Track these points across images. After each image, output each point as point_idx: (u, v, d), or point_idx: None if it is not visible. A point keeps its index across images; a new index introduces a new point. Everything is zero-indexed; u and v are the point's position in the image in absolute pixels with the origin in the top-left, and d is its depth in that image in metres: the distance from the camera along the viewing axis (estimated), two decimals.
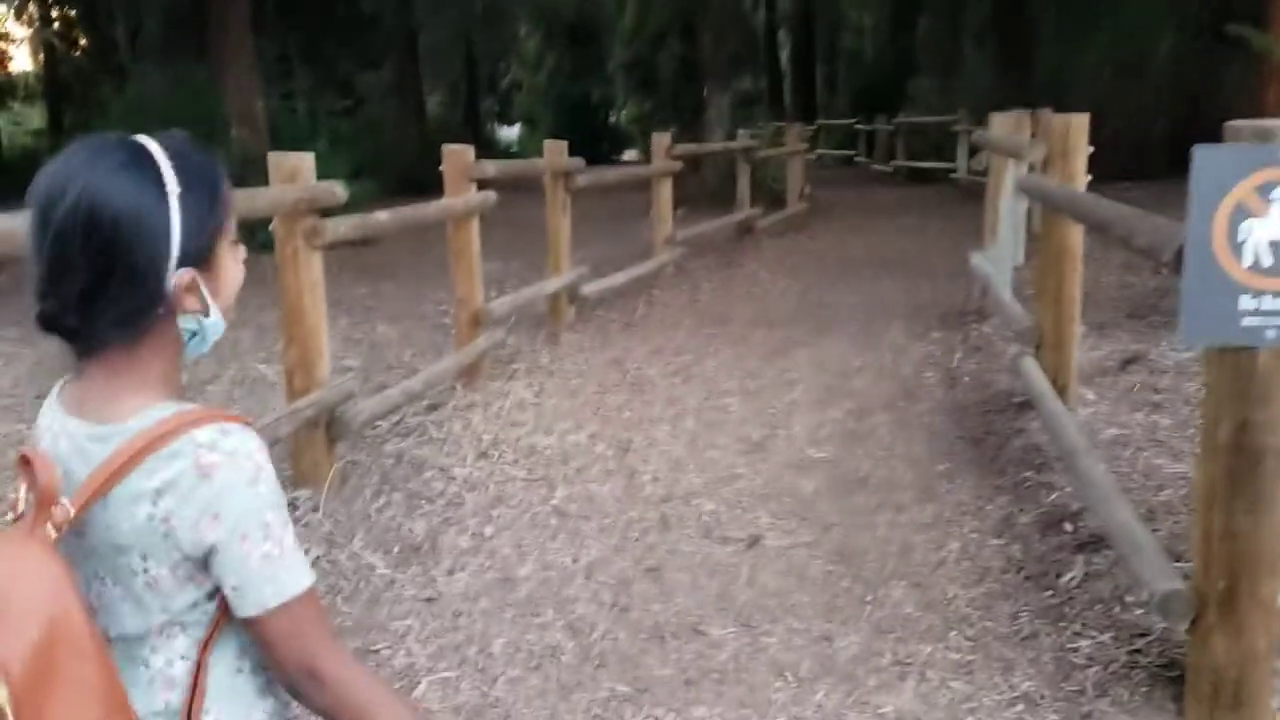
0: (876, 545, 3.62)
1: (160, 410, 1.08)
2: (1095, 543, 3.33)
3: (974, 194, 15.64)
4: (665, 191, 9.33)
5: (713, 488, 4.25)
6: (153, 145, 1.11)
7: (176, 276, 1.09)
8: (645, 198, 10.67)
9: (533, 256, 10.12)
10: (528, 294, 6.65)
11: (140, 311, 1.08)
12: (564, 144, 7.05)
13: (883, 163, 22.31)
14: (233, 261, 1.17)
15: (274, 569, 1.08)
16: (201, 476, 1.04)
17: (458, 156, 5.55)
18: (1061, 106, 9.93)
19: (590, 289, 7.57)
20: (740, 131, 12.81)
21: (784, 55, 34.68)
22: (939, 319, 7.26)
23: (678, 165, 9.45)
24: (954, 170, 17.27)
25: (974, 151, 7.12)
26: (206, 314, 1.13)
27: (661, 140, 9.33)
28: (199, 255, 1.11)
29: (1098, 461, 3.28)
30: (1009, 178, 6.73)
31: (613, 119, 36.76)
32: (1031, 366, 4.50)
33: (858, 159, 25.65)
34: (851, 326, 7.15)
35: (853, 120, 26.31)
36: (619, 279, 8.27)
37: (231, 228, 1.16)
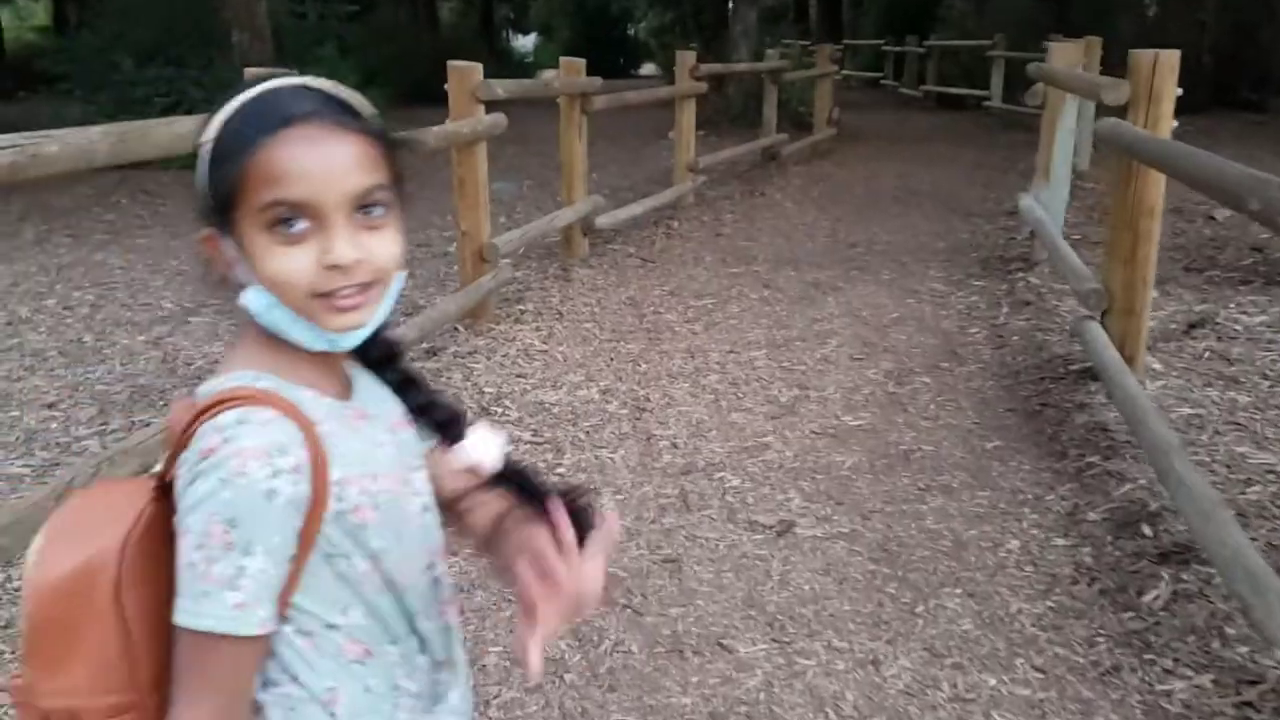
0: (924, 540, 3.20)
1: (226, 381, 0.98)
2: (1181, 553, 2.90)
3: (1009, 124, 15.03)
4: (688, 114, 8.75)
5: (738, 459, 3.83)
6: (253, 88, 0.98)
7: (201, 230, 1.00)
8: (663, 115, 10.09)
9: (543, 175, 9.62)
10: (539, 226, 6.17)
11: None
12: (581, 62, 6.49)
13: (912, 87, 21.48)
14: (268, 246, 0.95)
15: (189, 583, 0.91)
16: (200, 458, 0.91)
17: (464, 75, 5.03)
18: (1103, 35, 9.25)
19: (605, 220, 7.08)
20: (768, 51, 12.11)
21: None
22: (980, 264, 6.77)
23: (702, 87, 8.85)
24: (988, 98, 16.56)
25: (1028, 84, 6.52)
26: (247, 284, 0.98)
27: (685, 59, 8.72)
28: (217, 216, 0.97)
29: (1192, 463, 2.83)
30: (1067, 115, 6.18)
31: (631, 31, 35.66)
32: (1097, 334, 4.03)
33: (885, 82, 24.77)
34: (886, 269, 6.66)
35: (881, 41, 25.35)
36: (636, 209, 7.78)
37: (266, 205, 0.94)
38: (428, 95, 12.30)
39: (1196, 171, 2.74)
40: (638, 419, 4.22)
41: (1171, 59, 3.82)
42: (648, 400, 4.40)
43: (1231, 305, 5.13)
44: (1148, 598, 2.73)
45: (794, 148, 11.68)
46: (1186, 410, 3.89)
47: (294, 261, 0.94)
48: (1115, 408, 3.77)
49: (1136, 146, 3.53)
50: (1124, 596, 2.77)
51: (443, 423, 1.09)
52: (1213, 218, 7.62)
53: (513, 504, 1.09)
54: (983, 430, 4.02)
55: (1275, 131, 11.44)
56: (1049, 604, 2.79)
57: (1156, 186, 3.89)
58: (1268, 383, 4.15)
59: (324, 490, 0.94)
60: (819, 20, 30.36)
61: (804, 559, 3.11)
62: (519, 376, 4.62)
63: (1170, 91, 3.84)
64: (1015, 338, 5.06)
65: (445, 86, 5.07)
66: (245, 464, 0.89)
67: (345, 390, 1.05)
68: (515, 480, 1.09)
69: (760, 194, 9.84)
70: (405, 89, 15.98)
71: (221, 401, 0.93)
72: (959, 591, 2.89)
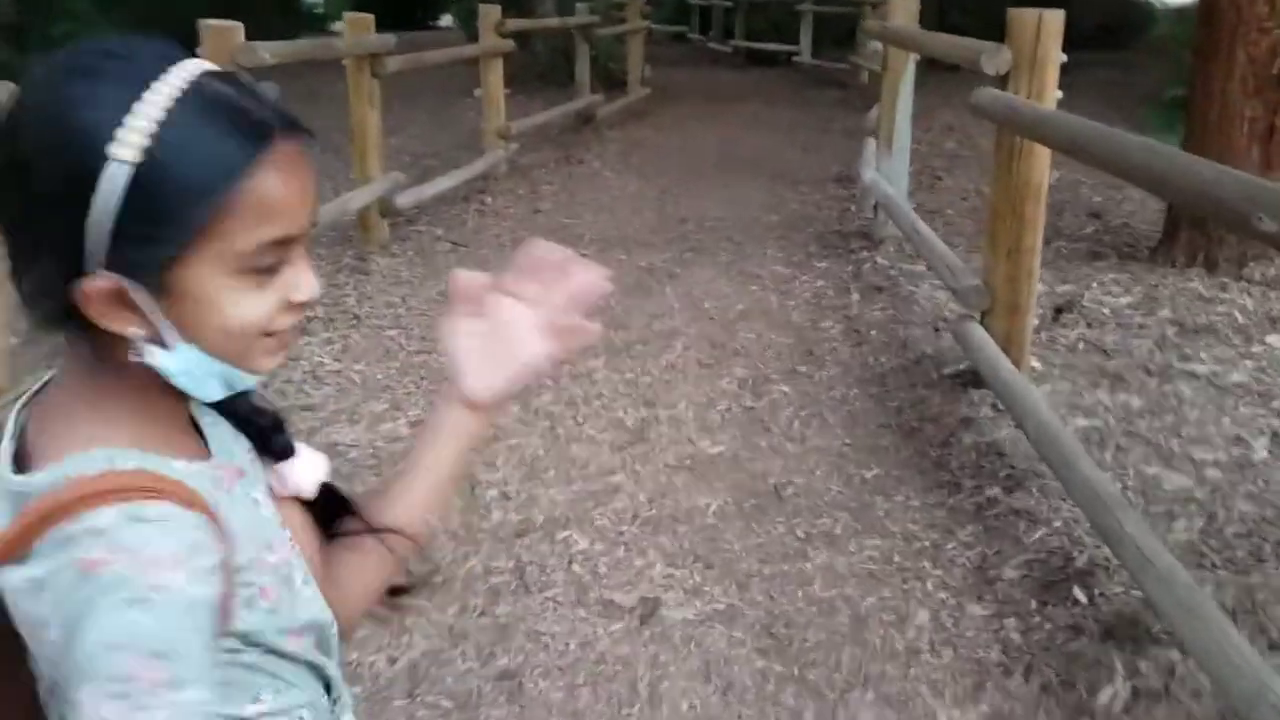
0: (816, 616, 2.62)
1: (85, 461, 0.73)
2: (1130, 627, 2.43)
3: (820, 80, 14.82)
4: (495, 76, 7.92)
5: (584, 508, 3.16)
6: (169, 69, 0.72)
7: (90, 279, 0.71)
8: (465, 71, 9.24)
9: (334, 141, 8.54)
10: (329, 210, 5.26)
11: (47, 295, 0.73)
12: (369, 18, 5.58)
13: (720, 41, 21.09)
14: (236, 291, 0.75)
15: None
16: (80, 575, 0.68)
17: (222, 37, 4.09)
18: None
19: (407, 199, 6.22)
20: (578, 4, 11.33)
21: None
22: (818, 241, 6.29)
23: (509, 45, 8.03)
24: (797, 53, 16.33)
25: (863, 43, 6.06)
26: (162, 344, 0.75)
27: (489, 14, 7.87)
28: (143, 266, 0.71)
29: (1144, 523, 2.33)
30: (909, 78, 5.73)
31: None
32: (980, 337, 3.55)
33: (691, 36, 24.35)
34: (722, 250, 6.09)
35: None
36: (444, 183, 6.93)
37: (257, 247, 0.74)
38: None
39: (1171, 174, 2.17)
40: None
41: (1056, 20, 3.34)
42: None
43: (1093, 285, 4.80)
44: (1103, 698, 2.23)
45: (609, 110, 11.00)
46: (1082, 421, 3.46)
47: (262, 304, 0.77)
48: (1013, 425, 3.31)
49: (1044, 127, 2.99)
50: (1072, 695, 2.26)
51: (265, 432, 0.90)
52: None
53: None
54: (857, 454, 3.49)
55: (1079, 88, 11.51)
56: (984, 709, 2.26)
57: (1042, 164, 3.43)
58: (1154, 380, 3.79)
59: (231, 585, 0.75)
60: None
61: (676, 657, 2.47)
62: (305, 409, 3.79)
63: (1055, 56, 3.36)
64: (874, 332, 4.57)
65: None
66: (161, 576, 0.68)
67: (198, 439, 0.85)
68: (337, 512, 0.95)
69: (578, 161, 9.12)
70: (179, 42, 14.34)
71: (87, 496, 0.70)
72: (871, 696, 2.32)
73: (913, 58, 5.64)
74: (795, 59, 16.38)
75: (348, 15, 5.62)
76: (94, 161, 0.68)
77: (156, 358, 0.75)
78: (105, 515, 0.69)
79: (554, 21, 11.11)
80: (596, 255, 5.92)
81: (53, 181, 0.69)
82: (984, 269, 3.69)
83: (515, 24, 8.38)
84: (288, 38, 5.91)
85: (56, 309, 0.73)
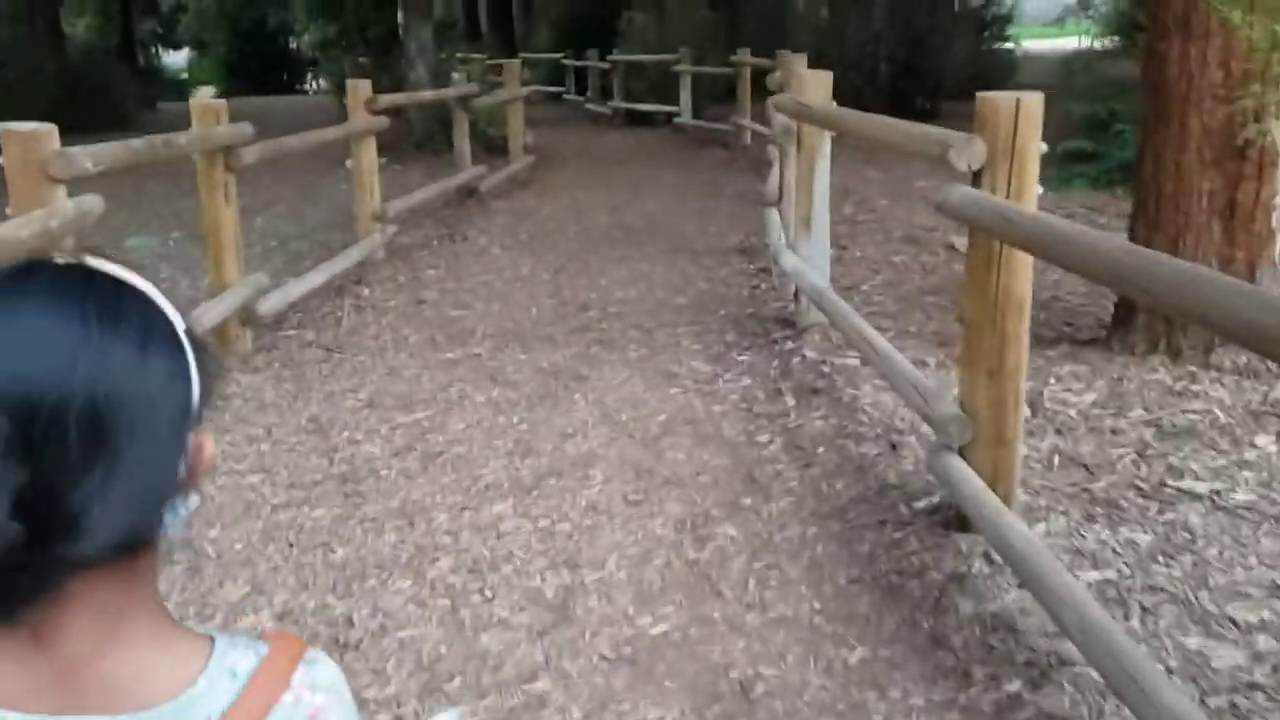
0: None
1: (234, 649, 0.76)
2: None
3: (701, 141, 14.57)
4: (368, 153, 7.23)
5: None
6: (126, 280, 0.74)
7: (196, 440, 0.76)
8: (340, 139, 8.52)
9: (190, 224, 7.67)
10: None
11: (160, 506, 0.73)
12: (220, 105, 4.85)
13: (599, 102, 20.77)
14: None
15: None
16: None
17: (29, 144, 3.30)
18: (776, 45, 8.61)
19: (271, 304, 5.45)
20: (454, 75, 10.71)
21: None
22: (735, 327, 5.75)
23: (383, 122, 7.35)
24: (678, 114, 16.05)
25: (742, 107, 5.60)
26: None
27: (359, 90, 7.18)
28: (201, 421, 0.80)
29: None
30: (825, 156, 5.26)
31: (294, 45, 33.11)
32: (964, 475, 3.01)
33: (567, 96, 24.02)
34: (631, 342, 5.49)
35: (561, 55, 24.55)
36: (314, 279, 6.18)
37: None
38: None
39: (1251, 314, 1.64)
40: (335, 662, 2.75)
41: (1035, 105, 2.86)
42: (350, 624, 2.94)
43: (1051, 380, 4.35)
44: None
45: (493, 181, 10.37)
46: (1093, 574, 2.93)
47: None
48: (1017, 584, 2.75)
49: (1050, 240, 2.45)
50: None
51: None
52: (953, 247, 7.06)
53: None
54: (832, 625, 2.88)
55: None
56: None
57: (1026, 271, 2.93)
58: (1153, 505, 3.30)
59: None
60: (490, 31, 29.32)
61: None
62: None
63: (1035, 149, 2.87)
64: (821, 449, 4.00)
65: (2, 160, 3.34)
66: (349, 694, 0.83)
67: None
68: None
69: (462, 238, 8.48)
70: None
71: (280, 670, 0.77)
72: None
73: (828, 135, 5.17)
74: (676, 120, 16.11)
75: (194, 104, 4.85)
76: (180, 343, 0.73)
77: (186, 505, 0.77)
78: (299, 673, 0.76)
79: (430, 95, 10.46)
80: (491, 355, 5.29)
81: (166, 370, 0.71)
82: (962, 392, 3.15)
83: (388, 99, 7.71)
84: (148, 109, 5.17)
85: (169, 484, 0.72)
